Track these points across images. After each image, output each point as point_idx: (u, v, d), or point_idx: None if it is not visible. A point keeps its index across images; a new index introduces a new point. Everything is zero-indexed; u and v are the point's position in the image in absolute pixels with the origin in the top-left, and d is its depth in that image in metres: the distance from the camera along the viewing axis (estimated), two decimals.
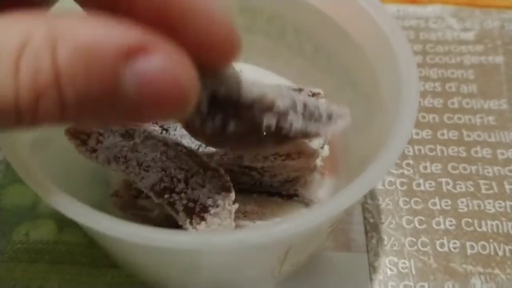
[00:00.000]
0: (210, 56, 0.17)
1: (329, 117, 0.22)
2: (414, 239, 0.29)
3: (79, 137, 0.23)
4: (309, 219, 0.19)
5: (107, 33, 0.14)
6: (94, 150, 0.23)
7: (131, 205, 0.26)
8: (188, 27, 0.16)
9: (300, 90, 0.29)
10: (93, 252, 0.28)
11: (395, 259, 0.28)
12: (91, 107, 0.14)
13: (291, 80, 0.31)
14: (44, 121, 0.14)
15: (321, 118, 0.22)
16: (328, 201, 0.20)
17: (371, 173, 0.20)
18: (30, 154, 0.21)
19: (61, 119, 0.14)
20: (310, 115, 0.22)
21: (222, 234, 0.18)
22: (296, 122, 0.21)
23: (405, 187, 0.31)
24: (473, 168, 0.32)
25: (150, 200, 0.25)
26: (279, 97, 0.21)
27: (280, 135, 0.21)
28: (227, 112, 0.20)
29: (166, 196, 0.24)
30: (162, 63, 0.14)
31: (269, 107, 0.20)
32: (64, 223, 0.29)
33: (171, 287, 0.27)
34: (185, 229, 0.22)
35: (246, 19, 0.31)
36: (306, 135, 0.22)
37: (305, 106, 0.22)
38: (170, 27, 0.15)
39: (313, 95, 0.29)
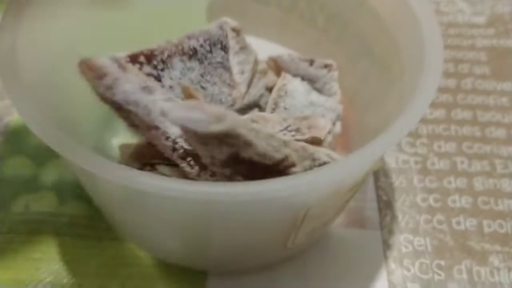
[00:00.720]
0: None
1: None
2: (430, 217, 0.28)
3: (95, 71, 0.21)
4: (332, 172, 0.18)
5: None
6: (110, 88, 0.21)
7: None
8: None
9: (311, 62, 0.28)
10: (95, 225, 0.27)
11: (410, 237, 0.27)
12: None
13: (303, 52, 0.31)
14: None
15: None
16: (351, 155, 0.19)
17: (393, 130, 0.19)
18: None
19: None
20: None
21: (242, 185, 0.17)
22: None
23: (419, 166, 0.30)
24: (488, 147, 0.31)
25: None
26: (301, 160, 0.20)
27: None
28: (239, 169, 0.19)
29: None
30: None
31: (284, 168, 0.20)
32: (65, 194, 0.28)
33: (177, 255, 0.25)
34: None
35: None
36: None
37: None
38: None
39: (325, 66, 0.28)
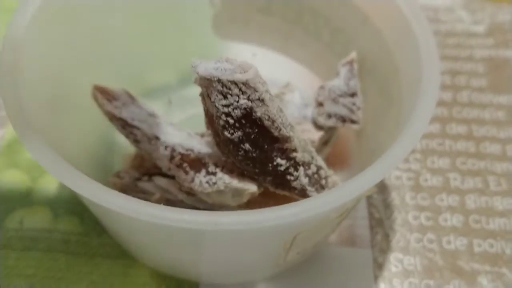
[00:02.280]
0: None
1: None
2: (420, 236, 0.28)
3: (107, 94, 0.25)
4: (317, 204, 0.18)
5: None
6: (118, 107, 0.24)
7: (131, 187, 0.25)
8: None
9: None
10: (88, 242, 0.27)
11: (400, 256, 0.28)
12: None
13: (306, 64, 0.31)
14: None
15: (322, 190, 0.23)
16: (337, 188, 0.20)
17: (384, 162, 0.20)
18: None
19: None
20: (316, 181, 0.23)
21: (230, 215, 0.18)
22: (303, 178, 0.22)
23: (412, 182, 0.30)
24: (482, 163, 0.31)
25: (151, 184, 0.25)
26: (301, 149, 0.22)
27: (284, 180, 0.22)
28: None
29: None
30: None
31: (286, 149, 0.21)
32: (59, 210, 0.28)
33: (171, 269, 0.26)
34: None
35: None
36: (304, 195, 0.22)
37: (318, 170, 0.23)
38: None
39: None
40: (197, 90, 0.21)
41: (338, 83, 0.27)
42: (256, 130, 0.20)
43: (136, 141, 0.25)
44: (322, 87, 0.27)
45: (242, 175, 0.23)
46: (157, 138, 0.24)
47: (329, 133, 0.27)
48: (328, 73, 0.29)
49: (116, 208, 0.18)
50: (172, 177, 0.25)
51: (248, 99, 0.19)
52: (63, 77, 0.24)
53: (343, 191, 0.19)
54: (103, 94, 0.24)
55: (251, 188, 0.23)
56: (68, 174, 0.19)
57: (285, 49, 0.31)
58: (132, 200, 0.18)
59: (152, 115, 0.25)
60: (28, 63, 0.22)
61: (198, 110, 0.22)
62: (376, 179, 0.19)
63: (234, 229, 0.18)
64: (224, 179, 0.22)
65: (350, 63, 0.27)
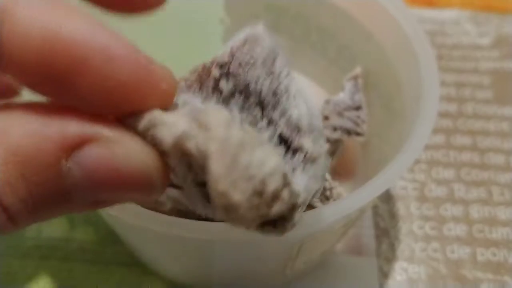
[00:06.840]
0: None
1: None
2: (425, 245, 0.29)
3: None
4: (321, 216, 0.19)
5: (41, 131, 0.13)
6: None
7: None
8: None
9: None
10: (103, 250, 0.28)
11: (405, 264, 0.28)
12: (41, 208, 0.13)
13: (313, 79, 0.31)
14: None
15: (326, 200, 0.23)
16: (341, 200, 0.20)
17: (386, 175, 0.20)
18: None
19: (13, 227, 0.13)
20: (321, 192, 0.22)
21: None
22: None
23: (417, 192, 0.31)
24: (486, 174, 0.32)
25: (164, 195, 0.26)
26: None
27: None
28: None
29: None
30: (104, 151, 0.13)
31: None
32: (75, 220, 0.29)
33: (181, 279, 0.27)
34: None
35: (271, 16, 0.31)
36: (309, 206, 0.22)
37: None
38: None
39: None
40: None
41: (343, 97, 0.28)
42: None
43: None
44: (327, 102, 0.28)
45: None
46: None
47: (334, 145, 0.28)
48: (334, 87, 0.30)
49: (130, 219, 0.19)
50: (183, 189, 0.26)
51: None
52: None
53: (346, 203, 0.20)
54: None
55: None
56: None
57: (293, 65, 0.32)
58: (144, 212, 0.19)
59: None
60: None
61: None
62: (377, 192, 0.20)
63: (242, 239, 0.19)
64: None
65: (355, 78, 0.28)
